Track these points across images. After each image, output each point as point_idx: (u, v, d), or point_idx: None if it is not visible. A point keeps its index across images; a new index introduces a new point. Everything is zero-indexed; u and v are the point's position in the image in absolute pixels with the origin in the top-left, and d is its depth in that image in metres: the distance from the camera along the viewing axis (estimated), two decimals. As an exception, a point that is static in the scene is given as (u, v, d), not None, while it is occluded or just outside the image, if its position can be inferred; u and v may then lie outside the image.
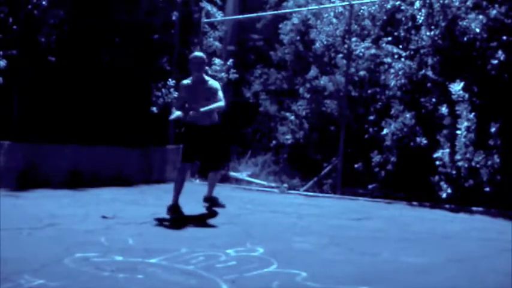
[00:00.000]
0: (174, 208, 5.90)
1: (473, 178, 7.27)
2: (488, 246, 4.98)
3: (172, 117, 5.91)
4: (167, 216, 5.77)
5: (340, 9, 9.58)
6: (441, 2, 7.92)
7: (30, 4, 8.22)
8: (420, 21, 8.26)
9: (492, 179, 7.17)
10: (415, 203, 7.67)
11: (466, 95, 7.43)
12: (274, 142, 10.63)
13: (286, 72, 11.35)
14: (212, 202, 6.62)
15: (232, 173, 10.26)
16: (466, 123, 7.33)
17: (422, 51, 8.22)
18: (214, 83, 6.20)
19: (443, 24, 7.96)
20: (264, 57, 12.24)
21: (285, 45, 11.04)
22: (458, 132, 7.40)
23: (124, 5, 9.19)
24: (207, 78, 6.22)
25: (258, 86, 12.00)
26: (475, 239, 5.38)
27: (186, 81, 6.25)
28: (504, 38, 7.56)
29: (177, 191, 5.98)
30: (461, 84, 7.46)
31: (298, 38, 10.66)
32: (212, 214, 6.20)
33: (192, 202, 6.66)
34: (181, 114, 5.91)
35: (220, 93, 6.13)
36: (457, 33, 7.85)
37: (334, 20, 9.61)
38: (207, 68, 10.14)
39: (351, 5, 9.00)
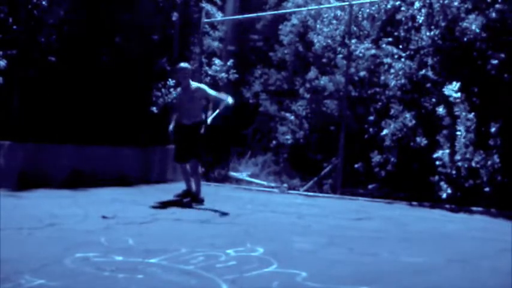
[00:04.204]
0: (186, 194, 6.80)
1: (473, 178, 7.27)
2: (488, 246, 4.98)
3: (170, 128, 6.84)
4: (167, 216, 5.78)
5: (339, 12, 9.57)
6: (441, 2, 7.92)
7: (30, 4, 8.22)
8: (420, 21, 8.26)
9: (492, 179, 7.16)
10: (415, 203, 7.66)
11: (463, 96, 7.43)
12: (274, 142, 10.63)
13: (286, 73, 11.35)
14: (187, 196, 6.87)
15: (232, 173, 10.25)
16: (465, 124, 7.33)
17: (422, 51, 8.21)
18: (198, 85, 6.77)
19: (443, 24, 7.96)
20: (264, 57, 12.24)
21: (285, 46, 11.04)
22: (458, 132, 7.40)
23: (124, 5, 9.18)
24: (192, 83, 6.75)
25: (258, 86, 12.01)
26: (475, 239, 5.38)
27: (179, 89, 6.98)
28: (504, 38, 7.56)
29: (185, 180, 6.87)
30: (457, 85, 7.46)
31: (297, 38, 10.66)
32: (212, 214, 6.20)
33: (191, 202, 6.69)
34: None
35: (209, 91, 6.67)
36: (457, 33, 7.85)
37: (334, 21, 9.61)
38: (207, 68, 10.23)
39: (351, 5, 9.00)
